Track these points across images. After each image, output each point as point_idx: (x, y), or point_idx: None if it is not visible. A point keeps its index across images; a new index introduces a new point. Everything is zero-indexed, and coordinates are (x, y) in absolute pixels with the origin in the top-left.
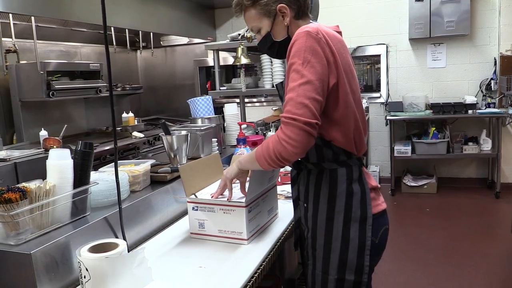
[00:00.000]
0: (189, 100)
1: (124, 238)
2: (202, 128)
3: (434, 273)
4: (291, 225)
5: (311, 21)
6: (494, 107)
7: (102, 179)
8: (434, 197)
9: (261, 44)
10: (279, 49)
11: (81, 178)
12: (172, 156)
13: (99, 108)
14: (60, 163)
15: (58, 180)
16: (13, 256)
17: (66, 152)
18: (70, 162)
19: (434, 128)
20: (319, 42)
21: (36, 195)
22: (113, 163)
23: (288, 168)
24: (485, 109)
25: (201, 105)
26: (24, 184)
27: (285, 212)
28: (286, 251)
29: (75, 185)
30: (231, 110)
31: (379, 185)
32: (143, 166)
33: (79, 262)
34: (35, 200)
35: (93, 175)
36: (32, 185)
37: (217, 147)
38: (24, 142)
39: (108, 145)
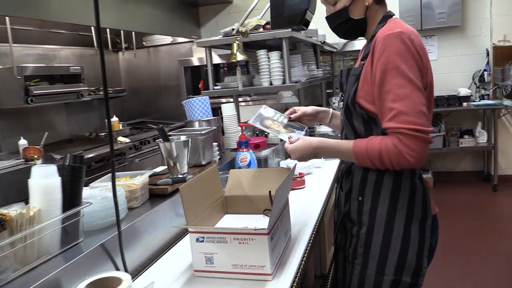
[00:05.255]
0: (184, 101)
1: (127, 270)
2: (203, 132)
3: (444, 273)
4: (310, 242)
5: (388, 10)
6: (488, 99)
7: (95, 196)
8: (432, 192)
9: (333, 18)
10: (350, 28)
11: (71, 198)
12: (172, 165)
13: (81, 113)
14: (45, 182)
15: (43, 203)
16: None
17: (52, 169)
18: (57, 181)
19: None
20: (416, 46)
21: (17, 224)
22: (105, 176)
23: (301, 170)
24: (479, 101)
25: (198, 107)
26: (2, 211)
27: (297, 226)
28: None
29: (65, 207)
30: (229, 110)
31: None
32: (141, 179)
33: None
34: (16, 230)
35: (84, 192)
36: (12, 211)
37: (218, 152)
38: (2, 153)
39: (93, 152)
